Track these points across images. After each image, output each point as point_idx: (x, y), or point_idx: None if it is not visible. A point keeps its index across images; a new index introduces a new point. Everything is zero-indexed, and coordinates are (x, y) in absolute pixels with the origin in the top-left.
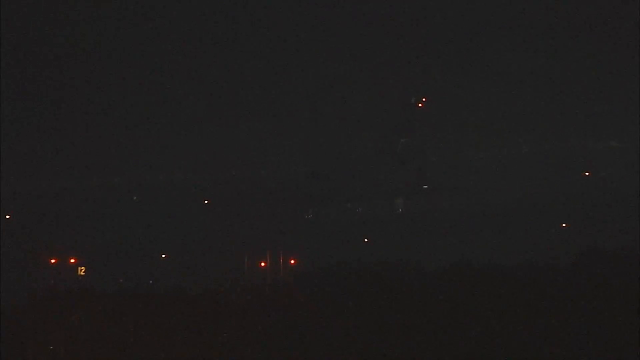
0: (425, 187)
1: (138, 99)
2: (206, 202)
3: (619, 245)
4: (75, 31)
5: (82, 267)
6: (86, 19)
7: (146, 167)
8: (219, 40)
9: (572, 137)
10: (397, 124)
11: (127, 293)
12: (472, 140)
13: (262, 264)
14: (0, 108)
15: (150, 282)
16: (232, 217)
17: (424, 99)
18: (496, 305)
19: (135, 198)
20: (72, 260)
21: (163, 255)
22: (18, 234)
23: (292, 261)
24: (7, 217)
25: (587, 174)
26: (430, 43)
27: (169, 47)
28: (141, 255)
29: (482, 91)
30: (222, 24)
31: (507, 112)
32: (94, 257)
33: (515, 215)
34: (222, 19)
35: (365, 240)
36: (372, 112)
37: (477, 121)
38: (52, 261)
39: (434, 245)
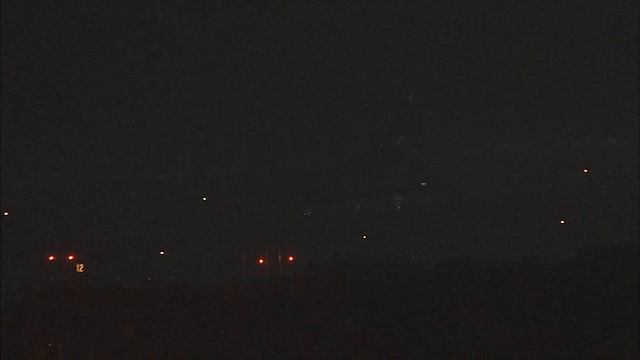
0: (424, 184)
1: (136, 96)
2: (204, 198)
3: (617, 242)
4: (75, 30)
5: (81, 264)
6: (86, 17)
7: (144, 163)
8: (218, 39)
9: (571, 134)
10: (395, 121)
11: (126, 290)
12: (471, 137)
13: (261, 260)
14: (0, 107)
15: (149, 278)
16: (230, 213)
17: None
18: (494, 302)
19: (133, 195)
20: (71, 257)
21: (162, 252)
22: (17, 231)
23: (291, 258)
24: (6, 214)
25: (585, 170)
26: (426, 41)
27: (167, 45)
28: (139, 252)
29: (481, 88)
30: (220, 23)
31: (506, 109)
32: (92, 254)
33: (513, 212)
34: (221, 17)
35: (364, 237)
36: (369, 109)
37: (475, 118)
38: (51, 258)
39: (432, 242)
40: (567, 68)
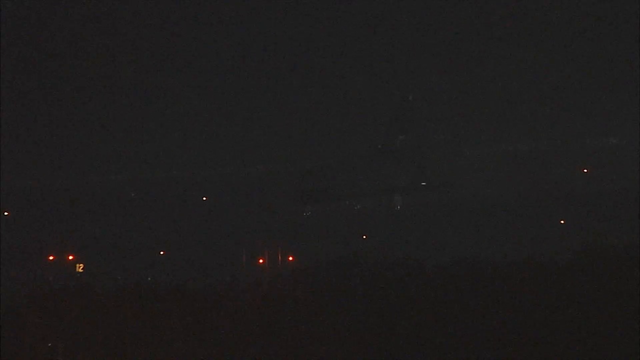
0: (424, 184)
1: (136, 96)
2: (204, 198)
3: (618, 242)
4: (75, 30)
5: (81, 264)
6: (86, 18)
7: (144, 163)
8: (218, 39)
9: (571, 134)
10: (395, 121)
11: (126, 290)
12: (471, 137)
13: (260, 260)
14: (0, 107)
15: (149, 279)
16: (230, 213)
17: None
18: (494, 302)
19: (133, 195)
20: (71, 257)
21: (161, 252)
22: (16, 231)
23: (290, 258)
24: (6, 214)
25: (585, 170)
26: (427, 40)
27: (167, 46)
28: (139, 252)
29: (481, 88)
30: (220, 23)
31: (506, 109)
32: (92, 254)
33: (513, 211)
34: (220, 17)
35: (364, 237)
36: (370, 108)
37: (475, 118)
38: (50, 258)
39: (432, 241)
40: (567, 68)
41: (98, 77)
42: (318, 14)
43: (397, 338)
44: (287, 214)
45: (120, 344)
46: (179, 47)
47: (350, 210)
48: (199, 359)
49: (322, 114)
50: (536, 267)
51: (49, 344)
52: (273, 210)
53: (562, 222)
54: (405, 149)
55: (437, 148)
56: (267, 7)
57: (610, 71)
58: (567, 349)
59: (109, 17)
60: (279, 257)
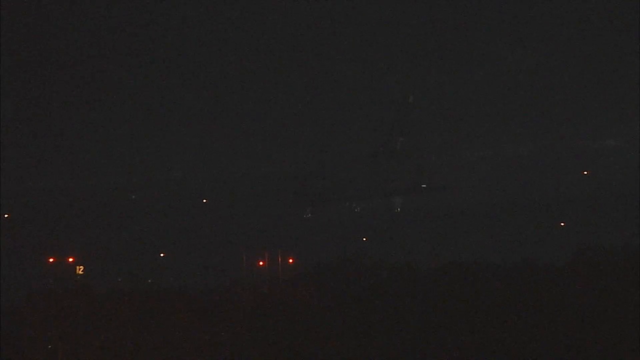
0: (424, 186)
1: (136, 99)
2: (204, 201)
3: (616, 244)
4: (75, 32)
5: (81, 266)
6: (86, 19)
7: (144, 166)
8: (217, 40)
9: (571, 136)
10: (395, 123)
11: (126, 292)
12: (470, 140)
13: (261, 262)
14: (0, 108)
15: (149, 280)
16: (231, 216)
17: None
18: (493, 303)
19: (133, 197)
20: (71, 260)
21: (162, 254)
22: (17, 233)
23: (291, 260)
24: (6, 216)
25: (585, 173)
26: (427, 43)
27: (167, 47)
28: (140, 254)
29: (481, 91)
30: (220, 24)
31: (505, 112)
32: (92, 256)
33: (513, 213)
34: (220, 18)
35: (364, 238)
36: (370, 111)
37: (475, 120)
38: (51, 260)
39: (432, 243)
40: (566, 71)
41: (98, 79)
42: (321, 15)
43: (396, 339)
44: (288, 216)
45: (120, 345)
46: (178, 48)
47: (350, 212)
48: None
49: (322, 116)
50: (536, 269)
51: (49, 346)
52: (273, 212)
53: (562, 224)
54: (405, 151)
55: (437, 151)
56: (269, 8)
57: (609, 73)
58: (567, 350)
59: (108, 18)
60: (279, 259)
